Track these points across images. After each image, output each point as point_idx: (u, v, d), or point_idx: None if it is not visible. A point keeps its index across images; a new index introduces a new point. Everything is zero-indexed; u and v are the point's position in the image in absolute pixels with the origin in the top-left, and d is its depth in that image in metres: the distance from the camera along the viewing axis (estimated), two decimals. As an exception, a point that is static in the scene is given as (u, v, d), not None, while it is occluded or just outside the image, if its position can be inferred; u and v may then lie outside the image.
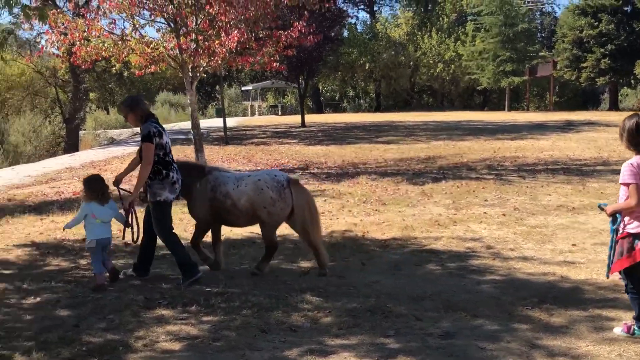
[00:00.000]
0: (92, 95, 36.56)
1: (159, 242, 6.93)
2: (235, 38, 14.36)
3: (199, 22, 15.21)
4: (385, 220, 9.85)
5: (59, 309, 5.95)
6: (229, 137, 24.93)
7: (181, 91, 49.75)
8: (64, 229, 7.24)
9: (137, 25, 15.42)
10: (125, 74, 29.96)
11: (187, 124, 34.61)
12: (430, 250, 8.03)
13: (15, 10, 8.56)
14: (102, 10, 15.24)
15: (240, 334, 5.21)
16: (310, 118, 36.14)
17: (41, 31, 27.13)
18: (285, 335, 5.19)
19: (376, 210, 10.71)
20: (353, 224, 9.63)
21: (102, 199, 6.69)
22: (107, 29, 15.12)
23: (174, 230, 6.85)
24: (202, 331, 5.30)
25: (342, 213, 10.53)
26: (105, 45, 14.86)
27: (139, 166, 6.65)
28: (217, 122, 33.57)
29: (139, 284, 6.72)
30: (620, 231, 4.90)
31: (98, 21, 15.10)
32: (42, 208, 11.64)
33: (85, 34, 14.85)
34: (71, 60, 15.43)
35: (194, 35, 15.16)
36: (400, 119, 35.15)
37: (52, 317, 5.73)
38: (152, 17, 15.57)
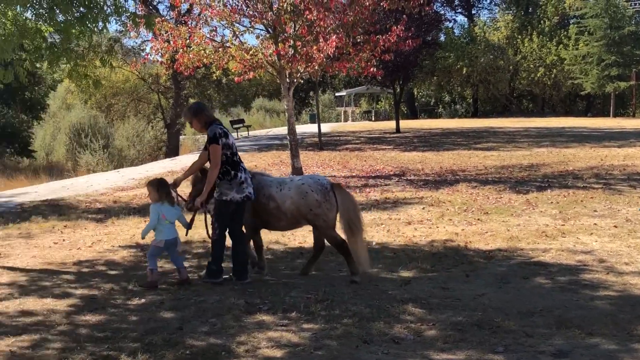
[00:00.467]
0: (191, 101, 37.63)
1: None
2: (333, 43, 14.33)
3: (297, 28, 15.31)
4: (488, 230, 9.49)
5: (163, 310, 6.03)
6: (323, 143, 24.99)
7: (276, 97, 50.54)
8: (142, 238, 7.22)
9: (237, 32, 15.71)
10: (224, 80, 30.63)
11: (281, 130, 35.04)
12: (538, 262, 7.64)
13: (123, 18, 8.80)
14: (204, 18, 15.63)
15: (342, 344, 5.09)
16: (405, 124, 35.81)
17: (146, 39, 28.17)
18: (389, 347, 5.02)
19: (478, 219, 10.35)
20: (454, 233, 9.33)
21: (170, 200, 6.91)
22: (208, 36, 15.47)
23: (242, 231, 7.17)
24: (303, 339, 5.21)
25: (442, 222, 10.24)
26: (206, 52, 15.20)
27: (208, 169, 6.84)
28: (311, 128, 33.79)
29: (238, 288, 6.73)
30: None
31: (200, 29, 15.48)
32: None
33: (187, 41, 15.25)
34: (174, 66, 15.88)
35: (292, 42, 15.26)
36: (499, 125, 34.23)
37: (157, 319, 5.80)
38: (252, 24, 15.81)
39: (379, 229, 9.82)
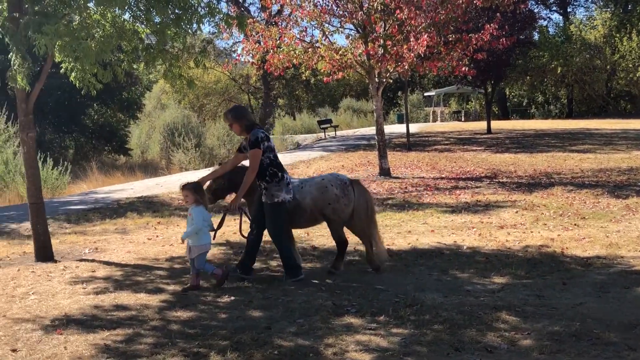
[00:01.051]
0: (280, 101, 38.10)
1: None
2: (424, 42, 14.11)
3: (387, 28, 15.17)
4: (586, 235, 9.06)
5: (251, 309, 6.05)
6: (411, 143, 24.68)
7: (364, 97, 50.38)
8: (183, 241, 6.89)
9: (327, 32, 15.72)
10: (312, 80, 30.80)
11: (368, 130, 34.89)
12: (640, 271, 7.22)
13: (216, 19, 8.92)
14: (294, 18, 15.73)
15: (433, 351, 4.94)
16: (496, 124, 34.89)
17: (237, 40, 28.74)
18: (481, 356, 4.83)
19: (575, 224, 9.91)
20: (550, 238, 8.96)
21: (206, 203, 6.93)
22: (298, 36, 15.56)
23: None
24: (392, 344, 5.09)
25: (536, 226, 9.86)
26: (296, 52, 15.29)
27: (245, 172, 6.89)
28: (399, 128, 33.46)
29: (326, 289, 6.68)
30: None
31: (290, 29, 15.59)
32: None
33: (277, 42, 15.39)
34: (264, 67, 16.06)
35: (382, 41, 15.14)
36: (596, 126, 32.81)
37: (245, 317, 5.83)
38: (342, 24, 15.79)
39: (470, 233, 9.56)
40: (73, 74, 8.70)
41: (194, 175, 18.96)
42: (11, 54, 7.79)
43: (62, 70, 8.86)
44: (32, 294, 6.80)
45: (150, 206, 12.92)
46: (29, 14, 7.76)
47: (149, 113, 37.76)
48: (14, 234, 10.49)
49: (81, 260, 8.38)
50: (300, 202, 7.12)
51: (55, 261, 8.35)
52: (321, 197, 7.13)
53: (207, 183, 7.23)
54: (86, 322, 5.76)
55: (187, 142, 26.58)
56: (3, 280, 7.34)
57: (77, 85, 8.81)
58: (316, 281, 7.00)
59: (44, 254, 8.47)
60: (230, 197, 7.47)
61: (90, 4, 8.08)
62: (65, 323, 5.70)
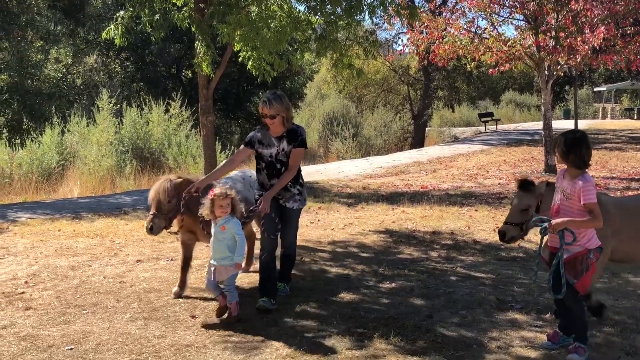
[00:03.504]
0: (440, 93, 37.67)
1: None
2: (601, 35, 13.37)
3: (560, 19, 14.54)
4: None
5: (413, 297, 6.12)
6: (578, 140, 23.43)
7: (528, 91, 48.56)
8: (241, 266, 5.76)
9: (495, 23, 15.34)
10: (475, 72, 30.14)
11: (531, 125, 33.64)
12: None
13: (387, 9, 9.02)
14: (461, 9, 15.50)
15: (603, 353, 4.76)
16: (675, 124, 32.30)
17: (400, 32, 28.73)
18: (657, 365, 4.58)
19: None
20: None
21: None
22: (465, 27, 15.32)
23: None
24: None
25: None
26: (462, 43, 15.07)
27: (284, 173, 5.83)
28: (565, 124, 31.91)
29: (489, 284, 6.60)
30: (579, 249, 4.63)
31: (456, 20, 15.39)
32: (393, 198, 12.26)
33: (443, 32, 15.25)
34: (429, 58, 15.98)
35: (554, 32, 14.54)
36: None
37: (407, 304, 5.91)
38: (511, 14, 15.34)
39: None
40: (250, 63, 9.19)
41: (352, 164, 19.32)
42: (197, 42, 8.38)
43: (239, 59, 9.38)
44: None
45: (311, 191, 13.34)
46: (214, 4, 8.29)
47: (309, 102, 38.82)
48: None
49: (250, 238, 8.86)
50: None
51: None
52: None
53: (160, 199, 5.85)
54: (255, 297, 6.10)
55: (345, 132, 27.06)
56: (167, 252, 7.93)
57: (254, 73, 9.29)
58: (480, 275, 6.93)
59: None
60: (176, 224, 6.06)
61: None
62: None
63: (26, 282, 6.76)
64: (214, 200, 5.41)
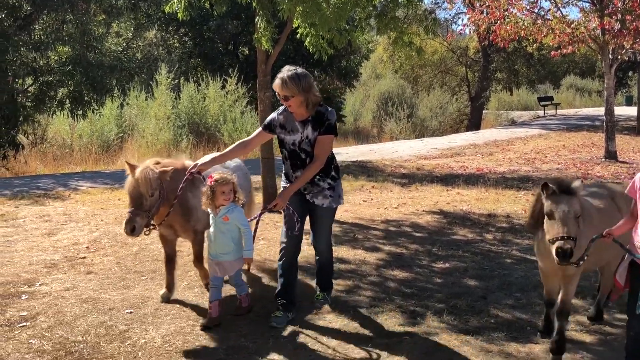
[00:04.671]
0: (498, 75, 36.93)
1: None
2: (671, 18, 12.88)
3: (627, 1, 14.06)
4: None
5: (467, 278, 6.09)
6: (641, 128, 22.79)
7: (589, 75, 47.23)
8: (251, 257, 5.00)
9: (559, 4, 14.94)
10: (535, 54, 29.46)
11: (592, 110, 32.78)
12: None
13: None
14: (525, -11, 15.14)
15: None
16: None
17: (459, 11, 28.25)
18: None
19: None
20: None
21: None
22: (527, 7, 14.97)
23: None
24: (616, 328, 4.87)
25: None
26: (525, 24, 14.73)
27: (310, 165, 4.91)
28: (627, 111, 31.00)
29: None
30: None
31: (519, 0, 15.03)
32: (447, 180, 12.15)
33: (505, 12, 14.93)
34: (490, 38, 15.70)
35: (620, 15, 14.08)
36: None
37: (461, 284, 5.88)
38: (577, -5, 14.93)
39: None
40: (307, 39, 9.17)
41: (406, 145, 19.20)
42: (257, 18, 8.42)
43: (297, 36, 9.38)
44: (262, 239, 7.41)
45: (364, 170, 13.33)
46: (276, -21, 8.30)
47: (364, 82, 38.57)
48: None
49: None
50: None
51: (279, 212, 8.97)
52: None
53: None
54: (308, 270, 6.17)
55: (400, 112, 26.85)
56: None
57: (311, 50, 9.27)
58: (536, 258, 6.83)
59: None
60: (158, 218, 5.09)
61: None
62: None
63: (87, 247, 6.99)
64: (214, 187, 4.71)
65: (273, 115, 5.10)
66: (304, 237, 5.25)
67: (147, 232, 4.95)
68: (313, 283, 5.59)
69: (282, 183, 5.17)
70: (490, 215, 8.92)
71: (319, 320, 4.97)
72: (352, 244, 7.22)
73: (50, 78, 15.50)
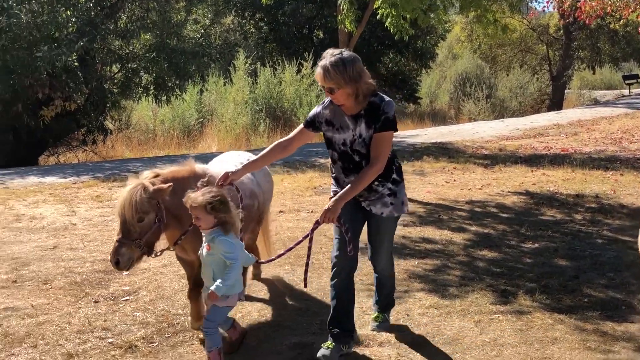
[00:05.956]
0: (581, 53, 35.71)
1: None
2: None
3: None
4: None
5: (557, 258, 6.00)
6: None
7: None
8: (220, 295, 3.69)
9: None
10: (620, 31, 28.31)
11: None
12: None
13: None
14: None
15: None
16: None
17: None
18: None
19: None
20: None
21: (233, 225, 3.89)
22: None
23: None
24: None
25: None
26: (611, 0, 14.18)
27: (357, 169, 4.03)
28: None
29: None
30: None
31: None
32: (532, 160, 11.92)
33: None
34: (574, 15, 15.20)
35: None
36: None
37: (551, 264, 5.80)
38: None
39: None
40: (388, 20, 9.16)
41: (486, 125, 18.86)
42: (339, 0, 8.46)
43: (377, 17, 9.38)
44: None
45: (445, 152, 13.22)
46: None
47: (440, 63, 37.99)
48: (323, 167, 11.50)
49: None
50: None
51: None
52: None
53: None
54: (396, 250, 6.20)
55: (479, 93, 26.39)
56: (307, 205, 8.17)
57: (391, 30, 9.25)
58: (628, 238, 6.65)
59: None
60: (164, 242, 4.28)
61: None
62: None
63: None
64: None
65: (317, 108, 4.18)
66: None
67: (157, 254, 4.10)
68: (369, 302, 4.87)
69: (331, 187, 4.27)
70: (578, 195, 8.72)
71: (409, 298, 4.99)
72: (438, 225, 7.22)
73: (135, 65, 16.01)
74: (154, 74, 16.32)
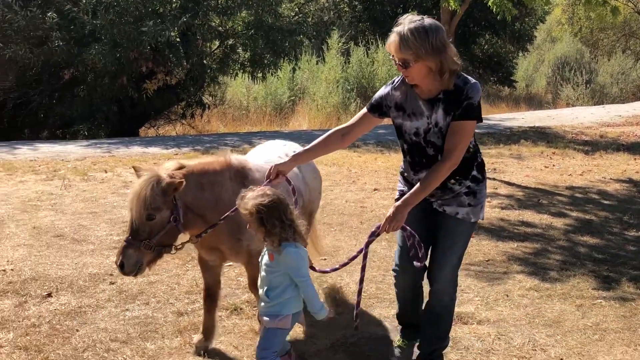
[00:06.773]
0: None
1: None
2: None
3: None
4: None
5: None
6: None
7: None
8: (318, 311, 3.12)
9: None
10: None
11: None
12: None
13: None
14: None
15: None
16: None
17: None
18: None
19: None
20: None
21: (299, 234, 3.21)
22: None
23: None
24: None
25: None
26: None
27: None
28: None
29: None
30: None
31: None
32: (635, 148, 11.49)
33: None
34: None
35: None
36: None
37: (658, 254, 5.63)
38: None
39: None
40: (491, 0, 9.01)
41: (586, 111, 18.23)
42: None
43: (481, -4, 9.22)
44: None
45: (543, 136, 12.90)
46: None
47: (538, 46, 36.83)
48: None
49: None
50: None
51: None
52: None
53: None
54: (494, 231, 6.17)
55: (578, 78, 25.48)
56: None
57: (494, 10, 9.10)
58: None
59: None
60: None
61: None
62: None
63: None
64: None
65: (386, 89, 3.41)
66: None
67: (174, 251, 3.52)
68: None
69: (398, 186, 3.61)
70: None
71: (509, 280, 4.96)
72: (537, 209, 7.10)
73: (233, 41, 16.38)
74: (251, 51, 16.64)
